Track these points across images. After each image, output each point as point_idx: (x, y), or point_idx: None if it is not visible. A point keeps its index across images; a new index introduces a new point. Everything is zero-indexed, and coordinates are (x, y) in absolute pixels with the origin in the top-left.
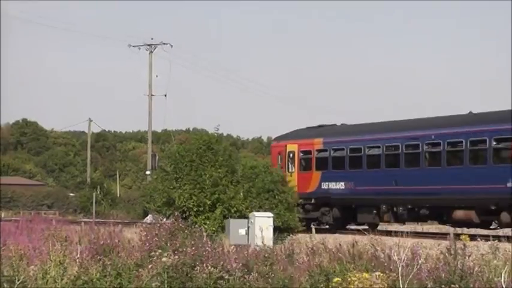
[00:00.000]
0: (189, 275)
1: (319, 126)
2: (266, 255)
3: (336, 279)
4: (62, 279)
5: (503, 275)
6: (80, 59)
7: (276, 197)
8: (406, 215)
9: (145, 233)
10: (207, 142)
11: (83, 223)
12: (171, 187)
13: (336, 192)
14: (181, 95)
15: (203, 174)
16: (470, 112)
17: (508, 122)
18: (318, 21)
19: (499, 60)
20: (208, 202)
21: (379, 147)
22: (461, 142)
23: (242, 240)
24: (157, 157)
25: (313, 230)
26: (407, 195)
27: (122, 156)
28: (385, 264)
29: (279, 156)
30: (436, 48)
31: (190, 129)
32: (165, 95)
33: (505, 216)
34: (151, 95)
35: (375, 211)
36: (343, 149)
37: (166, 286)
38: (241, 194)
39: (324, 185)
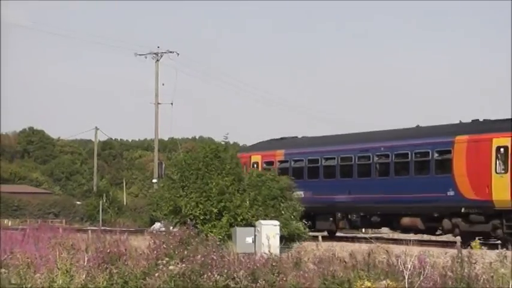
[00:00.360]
0: (195, 283)
1: (282, 138)
2: (274, 264)
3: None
4: (69, 287)
5: (510, 283)
6: (86, 67)
7: (282, 204)
8: (359, 222)
9: (153, 241)
10: (214, 150)
11: (89, 231)
12: (178, 195)
13: None
14: (188, 103)
15: (209, 182)
16: (418, 126)
17: (448, 135)
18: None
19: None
20: (215, 210)
21: (334, 158)
22: (407, 154)
23: (249, 249)
24: (163, 165)
25: (320, 238)
26: (360, 203)
27: (128, 165)
28: (394, 272)
29: (245, 167)
30: (437, 51)
31: (197, 137)
32: (172, 103)
33: (446, 222)
34: (158, 103)
35: (331, 218)
36: (302, 160)
37: None
38: (247, 202)
39: None
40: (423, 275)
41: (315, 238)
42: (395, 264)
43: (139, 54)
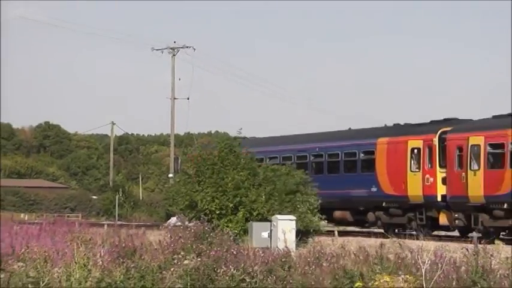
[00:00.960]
0: (211, 277)
1: (243, 137)
2: (283, 260)
3: (357, 283)
4: (86, 281)
5: None
6: (103, 62)
7: (298, 199)
8: None
9: (169, 236)
10: (229, 145)
11: (105, 226)
12: (194, 190)
13: None
14: (204, 98)
15: (225, 177)
16: (350, 128)
17: (372, 137)
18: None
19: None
20: (231, 205)
21: (276, 157)
22: (338, 154)
23: (265, 243)
24: (179, 160)
25: (336, 233)
26: None
27: (144, 159)
28: (408, 266)
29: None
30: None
31: (213, 132)
32: (188, 98)
33: (371, 215)
34: (174, 98)
35: None
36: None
37: None
38: (263, 196)
39: None
40: (440, 269)
41: (331, 232)
42: (411, 259)
43: (156, 49)
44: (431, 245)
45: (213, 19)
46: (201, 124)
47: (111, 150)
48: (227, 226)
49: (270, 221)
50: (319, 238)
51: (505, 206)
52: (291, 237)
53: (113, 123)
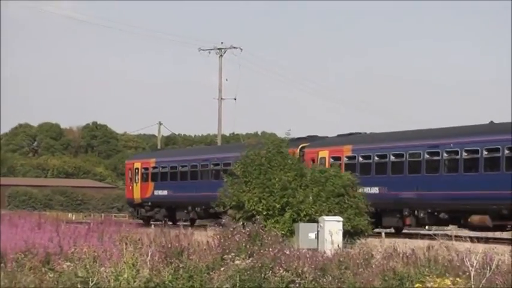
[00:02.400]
0: (263, 277)
1: (158, 149)
2: (341, 259)
3: (416, 285)
4: (134, 281)
5: None
6: (151, 63)
7: (346, 201)
8: (203, 214)
9: (218, 236)
10: (277, 146)
11: (153, 226)
12: (241, 191)
13: (163, 197)
14: (251, 99)
15: (272, 177)
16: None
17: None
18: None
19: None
20: (278, 206)
21: (186, 166)
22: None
23: (312, 244)
24: None
25: (383, 234)
26: (202, 199)
27: None
28: (456, 269)
29: (130, 171)
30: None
31: (259, 132)
32: (235, 99)
33: None
34: (221, 99)
35: (185, 211)
36: (166, 167)
37: None
38: (311, 197)
39: (156, 192)
40: (490, 272)
41: (378, 234)
42: (459, 261)
43: (203, 50)
44: (479, 247)
45: (260, 19)
46: (247, 124)
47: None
48: (274, 227)
49: (317, 222)
50: (367, 240)
51: None
52: (338, 238)
53: (160, 124)
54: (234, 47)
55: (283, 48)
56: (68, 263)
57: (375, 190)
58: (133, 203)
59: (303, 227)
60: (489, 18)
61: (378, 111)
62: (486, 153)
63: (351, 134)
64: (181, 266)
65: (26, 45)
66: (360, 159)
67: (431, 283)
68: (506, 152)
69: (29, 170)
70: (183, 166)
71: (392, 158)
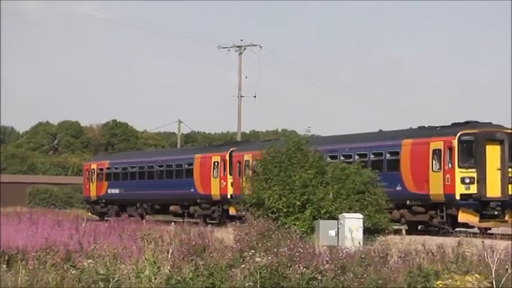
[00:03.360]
0: (282, 275)
1: (109, 153)
2: (362, 256)
3: (438, 282)
4: (155, 279)
5: None
6: (170, 61)
7: (367, 198)
8: (150, 210)
9: (236, 233)
10: (297, 143)
11: (173, 223)
12: (261, 188)
13: (115, 195)
14: (271, 96)
15: (293, 175)
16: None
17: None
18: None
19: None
20: (298, 203)
21: (135, 167)
22: (171, 166)
23: (332, 241)
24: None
25: (404, 231)
26: (149, 196)
27: None
28: (480, 265)
29: (87, 172)
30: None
31: (279, 130)
32: (255, 96)
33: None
34: (241, 96)
35: (135, 207)
36: (118, 168)
37: (258, 286)
38: (331, 195)
39: (109, 191)
40: (511, 268)
41: (398, 232)
42: (481, 258)
43: (223, 47)
44: (500, 244)
45: (279, 16)
46: (267, 122)
47: (178, 148)
48: (294, 224)
49: (338, 219)
50: (387, 237)
51: None
52: (358, 235)
53: (180, 121)
54: (254, 45)
55: (303, 45)
56: (89, 261)
57: None
58: (90, 200)
59: (323, 224)
60: None
61: (398, 109)
62: (373, 156)
63: (269, 140)
64: (201, 263)
65: (47, 43)
66: None
67: (450, 280)
68: (388, 155)
69: (49, 168)
70: (132, 167)
71: None
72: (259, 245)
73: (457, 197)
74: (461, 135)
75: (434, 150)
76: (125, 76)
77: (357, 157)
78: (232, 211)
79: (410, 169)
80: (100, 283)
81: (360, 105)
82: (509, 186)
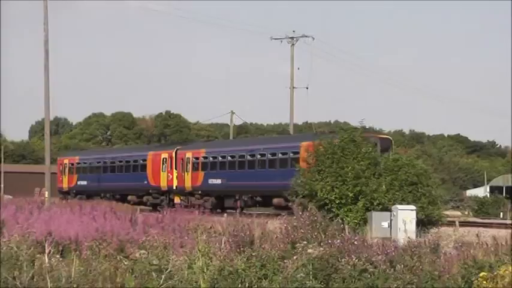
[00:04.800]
0: (334, 267)
1: (80, 150)
2: (413, 249)
3: (481, 273)
4: (207, 269)
5: None
6: (223, 52)
7: (420, 190)
8: (111, 198)
9: (285, 225)
10: (349, 135)
11: (225, 214)
12: (314, 179)
13: (84, 186)
14: (323, 88)
15: (345, 166)
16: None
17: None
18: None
19: None
20: (351, 194)
21: (100, 162)
22: (129, 161)
23: (385, 233)
24: None
25: (457, 223)
26: (111, 187)
27: None
28: None
29: (60, 166)
30: None
31: (332, 121)
32: (307, 88)
33: (145, 198)
34: (293, 88)
35: (99, 197)
36: (86, 163)
37: (311, 277)
38: (384, 186)
39: (79, 182)
40: None
41: (451, 223)
42: None
43: (275, 39)
44: None
45: (332, 7)
46: (320, 113)
47: (230, 139)
48: (347, 216)
49: (390, 210)
50: (441, 228)
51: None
52: (411, 227)
53: (233, 113)
54: (306, 36)
55: (355, 36)
56: (141, 251)
57: (218, 181)
58: (62, 191)
59: (376, 215)
60: None
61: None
62: (281, 155)
63: (207, 141)
64: (253, 254)
65: (101, 35)
66: (210, 158)
67: (497, 271)
68: (291, 155)
69: None
70: (98, 163)
71: (229, 158)
72: (311, 236)
73: None
74: None
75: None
76: (179, 68)
77: (269, 156)
78: (176, 200)
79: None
80: (153, 274)
81: (414, 97)
82: None
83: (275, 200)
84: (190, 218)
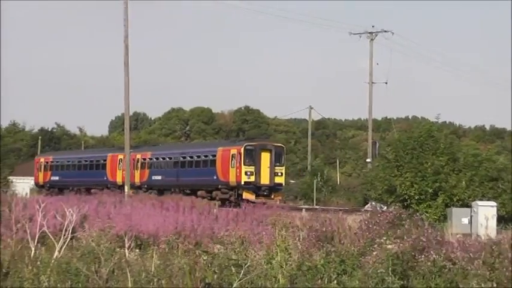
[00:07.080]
0: (413, 263)
1: (54, 151)
2: (493, 247)
3: None
4: (286, 264)
5: None
6: (301, 48)
7: (501, 186)
8: (78, 192)
9: (366, 221)
10: (428, 130)
11: (304, 210)
12: (393, 175)
13: (56, 181)
14: (402, 83)
15: (424, 162)
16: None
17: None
18: None
19: None
20: (430, 190)
21: (69, 161)
22: (93, 160)
23: (465, 229)
24: (377, 145)
25: None
26: (80, 183)
27: (341, 144)
28: None
29: (37, 164)
30: None
31: (410, 117)
32: (386, 83)
33: (105, 191)
34: (372, 83)
35: (69, 190)
36: (59, 161)
37: (390, 273)
38: (464, 182)
39: (52, 178)
40: None
41: None
42: None
43: (354, 34)
44: None
45: (411, 2)
46: (398, 109)
47: (308, 134)
48: (426, 212)
49: (470, 207)
50: None
51: None
52: (492, 223)
53: (311, 108)
54: (385, 31)
55: (434, 31)
56: (219, 246)
57: (159, 177)
58: (39, 185)
59: (455, 211)
60: None
61: None
62: (204, 157)
63: (154, 145)
64: (332, 250)
65: (180, 30)
66: (154, 159)
67: None
68: (211, 156)
69: None
70: (68, 161)
71: (167, 159)
72: (389, 233)
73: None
74: (246, 145)
75: (232, 154)
76: (258, 63)
77: (196, 158)
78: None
79: (221, 166)
80: (232, 268)
81: (495, 91)
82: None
83: (199, 192)
84: (269, 213)
